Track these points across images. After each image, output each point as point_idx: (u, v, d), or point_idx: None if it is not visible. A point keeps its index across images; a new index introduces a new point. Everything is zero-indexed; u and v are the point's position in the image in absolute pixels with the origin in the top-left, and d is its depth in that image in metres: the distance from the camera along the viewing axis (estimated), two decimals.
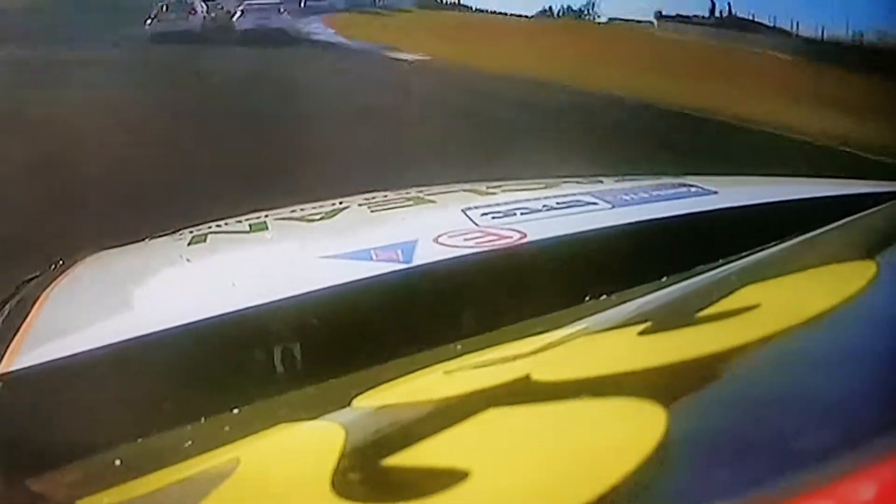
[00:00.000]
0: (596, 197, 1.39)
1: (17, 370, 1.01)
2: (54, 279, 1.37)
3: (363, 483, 0.68)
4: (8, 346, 1.07)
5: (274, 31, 14.72)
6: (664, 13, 11.72)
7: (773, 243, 1.05)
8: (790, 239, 1.06)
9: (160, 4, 16.00)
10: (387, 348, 1.08)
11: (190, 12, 16.16)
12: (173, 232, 1.63)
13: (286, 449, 0.82)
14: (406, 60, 12.58)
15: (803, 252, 1.02)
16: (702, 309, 0.81)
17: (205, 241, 1.49)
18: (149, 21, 15.79)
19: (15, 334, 1.10)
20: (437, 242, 1.21)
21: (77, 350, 1.02)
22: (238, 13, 15.80)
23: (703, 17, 11.35)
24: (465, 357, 0.93)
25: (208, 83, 10.51)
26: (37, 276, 1.49)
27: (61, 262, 1.52)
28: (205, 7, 17.23)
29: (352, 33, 15.26)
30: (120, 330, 1.05)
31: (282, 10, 15.45)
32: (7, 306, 1.31)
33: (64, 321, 1.19)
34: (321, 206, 1.63)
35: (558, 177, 1.71)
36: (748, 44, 10.23)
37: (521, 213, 1.33)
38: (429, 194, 1.65)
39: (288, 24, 15.23)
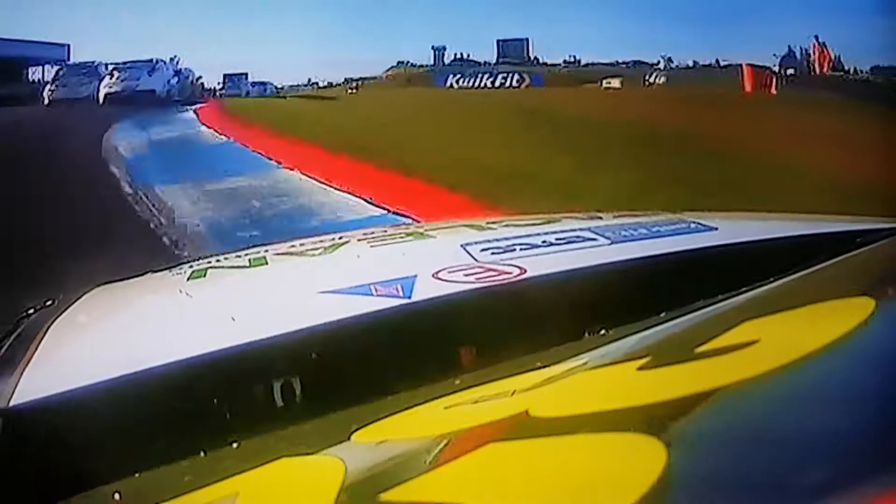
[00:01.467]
0: (595, 233, 1.40)
1: (17, 405, 1.00)
2: (55, 313, 1.37)
3: None
4: (9, 381, 1.07)
5: None
6: None
7: (772, 279, 1.05)
8: (789, 275, 1.06)
9: None
10: (386, 383, 1.08)
11: None
12: (173, 266, 1.63)
13: (285, 483, 0.82)
14: None
15: (802, 288, 1.03)
16: (701, 344, 0.81)
17: (204, 275, 1.49)
18: None
19: (16, 368, 1.10)
20: (437, 278, 1.21)
21: (77, 385, 1.02)
22: None
23: None
24: (465, 392, 0.93)
25: None
26: (37, 310, 1.49)
27: (60, 297, 1.52)
28: None
29: None
30: (120, 364, 1.05)
31: None
32: (8, 340, 1.31)
33: (64, 355, 1.20)
34: (321, 241, 1.63)
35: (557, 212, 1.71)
36: None
37: (521, 249, 1.34)
38: (428, 230, 1.65)
39: None
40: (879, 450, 0.54)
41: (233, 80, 25.18)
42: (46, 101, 20.28)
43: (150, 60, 20.83)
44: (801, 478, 0.52)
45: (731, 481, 0.54)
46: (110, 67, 20.86)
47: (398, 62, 28.94)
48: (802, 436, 0.58)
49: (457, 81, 25.70)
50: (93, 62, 21.85)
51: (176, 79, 20.72)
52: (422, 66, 28.76)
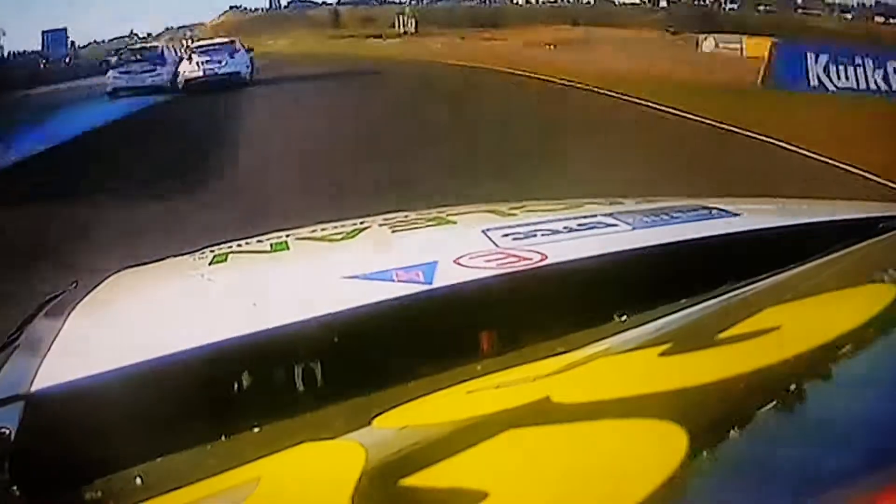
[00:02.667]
0: (617, 218, 1.39)
1: (40, 389, 1.01)
2: (77, 298, 1.38)
3: (383, 502, 0.69)
4: (31, 365, 1.08)
5: None
6: None
7: (794, 265, 1.05)
8: (811, 261, 1.06)
9: None
10: (407, 369, 1.08)
11: None
12: (195, 251, 1.64)
13: (307, 467, 0.82)
14: None
15: (824, 274, 1.02)
16: (723, 330, 0.80)
17: (226, 260, 1.50)
18: None
19: (38, 353, 1.11)
20: (458, 264, 1.21)
21: (99, 369, 1.02)
22: None
23: None
24: (486, 378, 0.93)
25: None
26: (60, 295, 1.50)
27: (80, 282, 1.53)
28: None
29: None
30: (141, 349, 1.05)
31: None
32: (31, 325, 1.32)
33: (86, 340, 1.20)
34: (342, 226, 1.63)
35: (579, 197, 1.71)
36: None
37: (542, 235, 1.33)
38: (450, 214, 1.65)
39: None
40: None
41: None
42: (109, 90, 18.96)
43: (232, 42, 19.76)
44: (824, 463, 0.52)
45: (753, 467, 0.54)
46: (186, 51, 20.02)
47: (230, 7, 26.17)
48: (824, 422, 0.58)
49: None
50: (155, 46, 21.08)
51: (249, 58, 19.66)
52: (256, 9, 26.31)
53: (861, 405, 0.59)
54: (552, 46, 18.78)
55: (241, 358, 1.09)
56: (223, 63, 18.70)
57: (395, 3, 24.26)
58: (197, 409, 1.05)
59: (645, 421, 0.64)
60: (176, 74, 19.17)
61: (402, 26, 22.76)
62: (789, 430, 0.58)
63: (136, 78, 18.98)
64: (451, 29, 22.10)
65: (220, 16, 25.94)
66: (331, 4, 25.26)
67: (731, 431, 0.59)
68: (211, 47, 19.28)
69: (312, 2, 25.73)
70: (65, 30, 23.11)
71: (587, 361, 0.87)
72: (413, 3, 23.49)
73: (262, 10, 26.19)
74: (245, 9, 26.27)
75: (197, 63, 18.72)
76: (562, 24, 21.33)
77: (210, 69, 18.56)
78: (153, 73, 19.25)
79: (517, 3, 24.22)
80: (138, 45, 21.43)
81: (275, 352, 1.12)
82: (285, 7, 25.96)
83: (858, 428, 0.56)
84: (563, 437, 0.68)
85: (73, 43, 24.19)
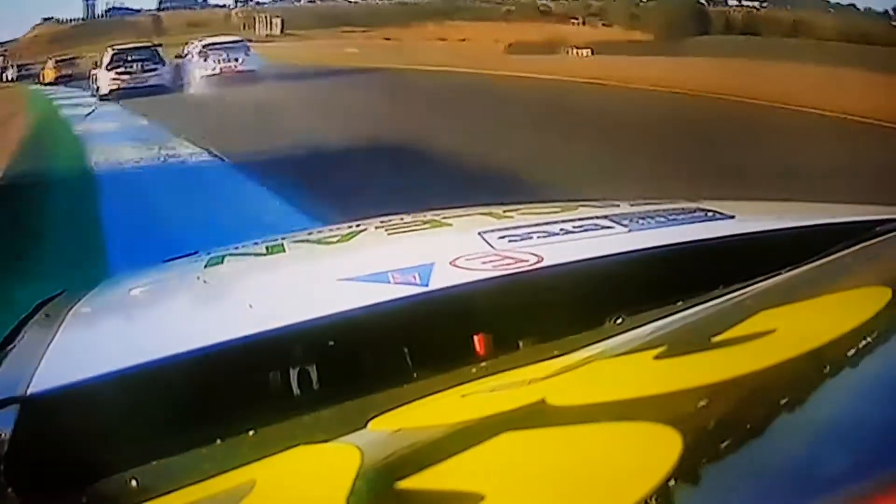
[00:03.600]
0: (613, 221, 1.39)
1: (35, 392, 1.01)
2: (75, 301, 1.38)
3: None
4: (28, 368, 1.08)
5: None
6: None
7: (789, 268, 1.05)
8: (806, 264, 1.06)
9: None
10: (403, 371, 1.08)
11: None
12: (190, 254, 1.64)
13: (302, 471, 0.82)
14: None
15: (819, 277, 1.02)
16: (718, 333, 0.81)
17: (222, 262, 1.50)
18: None
19: (34, 356, 1.11)
20: (454, 266, 1.21)
21: (94, 372, 1.02)
22: None
23: None
24: (481, 380, 0.93)
25: None
26: (55, 297, 1.50)
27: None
28: None
29: None
30: (137, 352, 1.05)
31: None
32: (26, 327, 1.32)
33: (82, 343, 1.20)
34: (338, 229, 1.63)
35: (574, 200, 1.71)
36: None
37: (538, 237, 1.33)
38: (445, 217, 1.65)
39: None
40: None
41: None
42: (105, 92, 18.00)
43: (241, 40, 19.22)
44: (818, 467, 0.52)
45: (747, 470, 0.54)
46: (199, 48, 18.90)
47: (43, 19, 23.96)
48: (819, 425, 0.58)
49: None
50: (151, 44, 19.96)
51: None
52: (72, 20, 24.12)
53: (857, 408, 0.59)
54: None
55: (237, 360, 1.09)
56: (240, 61, 18.28)
57: (220, 6, 23.38)
58: (192, 411, 1.05)
59: (640, 424, 0.64)
60: (178, 74, 18.64)
61: (265, 28, 22.13)
62: (784, 433, 0.58)
63: (138, 77, 18.19)
64: (321, 29, 21.85)
65: (33, 28, 24.27)
66: (151, 11, 23.74)
67: (726, 435, 0.59)
68: (226, 45, 18.76)
69: (130, 9, 24.05)
70: None
71: (582, 364, 0.88)
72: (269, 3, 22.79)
73: (78, 19, 24.40)
74: (58, 20, 24.55)
75: (214, 61, 18.16)
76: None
77: (228, 67, 18.09)
78: (155, 73, 18.53)
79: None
80: (130, 45, 20.58)
81: (270, 354, 1.13)
82: (102, 16, 24.16)
83: (854, 431, 0.56)
84: (558, 439, 0.68)
85: None
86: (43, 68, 22.54)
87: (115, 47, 19.14)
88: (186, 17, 23.49)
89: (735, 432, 0.59)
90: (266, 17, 22.61)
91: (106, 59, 18.46)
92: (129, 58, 18.52)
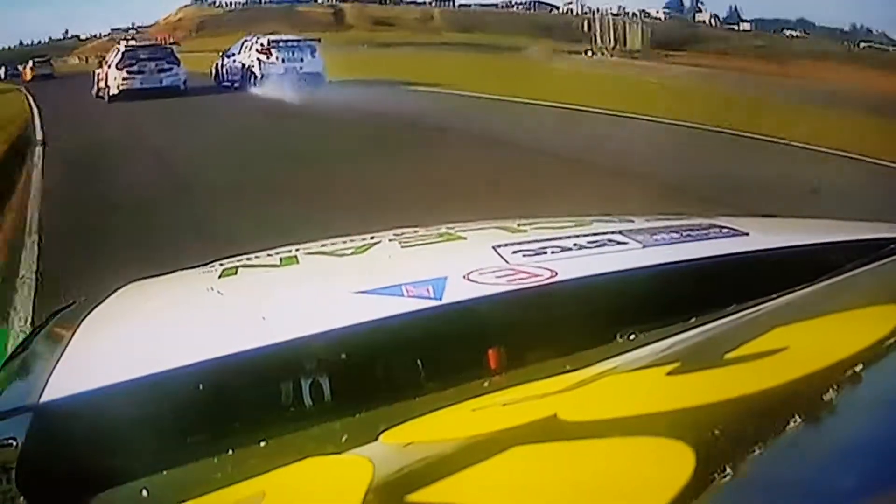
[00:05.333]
0: (627, 236, 1.39)
1: (48, 401, 1.02)
2: (87, 310, 1.38)
3: None
4: (41, 377, 1.08)
5: None
6: None
7: (803, 286, 1.05)
8: (820, 282, 1.06)
9: None
10: (415, 384, 1.08)
11: None
12: (204, 264, 1.64)
13: (313, 482, 0.82)
14: None
15: (833, 295, 1.02)
16: (731, 350, 0.80)
17: (235, 273, 1.50)
18: None
19: (47, 365, 1.12)
20: (468, 279, 1.21)
21: (108, 382, 1.03)
22: None
23: None
24: (493, 395, 0.93)
25: None
26: (70, 307, 1.50)
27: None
28: None
29: None
30: (150, 362, 1.06)
31: None
32: (40, 336, 1.33)
33: (95, 353, 1.21)
34: (352, 241, 1.63)
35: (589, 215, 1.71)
36: None
37: (552, 252, 1.33)
38: (460, 230, 1.65)
39: None
40: None
41: None
42: (115, 92, 16.99)
43: (317, 39, 18.29)
44: (830, 484, 0.52)
45: (759, 487, 0.54)
46: (259, 45, 17.83)
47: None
48: (831, 443, 0.58)
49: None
50: (160, 42, 19.33)
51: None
52: (228, 2, 22.27)
53: (869, 427, 0.59)
54: None
55: (249, 372, 1.10)
56: (304, 61, 17.49)
57: (418, 3, 21.66)
58: (204, 422, 1.05)
59: (652, 439, 0.64)
60: (230, 70, 17.77)
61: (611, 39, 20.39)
62: (796, 450, 0.58)
63: (152, 78, 17.34)
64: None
65: (177, 10, 23.30)
66: (332, 1, 21.87)
67: (739, 451, 0.59)
68: (293, 43, 17.89)
69: None
70: None
71: (595, 379, 0.87)
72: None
73: (236, 4, 22.86)
74: (211, 1, 22.97)
75: (278, 59, 17.35)
76: None
77: (291, 67, 17.28)
78: (170, 73, 17.66)
79: None
80: (142, 42, 19.67)
81: (283, 366, 1.13)
82: (267, 1, 22.42)
83: (866, 449, 0.56)
84: (569, 455, 0.68)
85: None
86: (24, 68, 23.21)
87: (125, 44, 18.54)
88: (375, 12, 22.27)
89: (747, 449, 0.58)
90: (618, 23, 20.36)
91: (116, 58, 17.67)
92: (143, 56, 17.76)
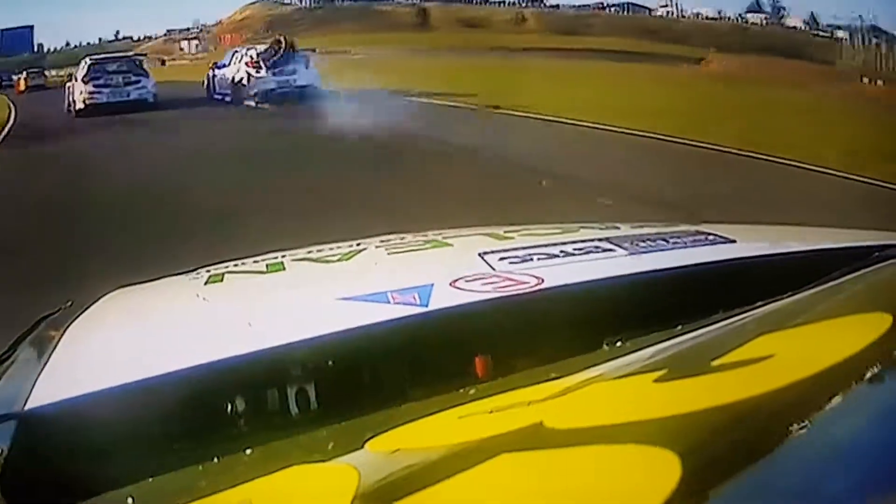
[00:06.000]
0: (613, 244, 1.39)
1: (33, 408, 1.01)
2: (72, 317, 1.38)
3: None
4: (26, 384, 1.07)
5: None
6: None
7: (789, 293, 1.05)
8: (806, 289, 1.06)
9: None
10: (401, 392, 1.08)
11: None
12: (190, 270, 1.64)
13: (299, 490, 0.82)
14: None
15: (819, 303, 1.02)
16: (717, 358, 0.81)
17: (222, 280, 1.50)
18: None
19: (33, 372, 1.11)
20: (455, 287, 1.21)
21: (94, 389, 1.02)
22: None
23: None
24: (479, 402, 0.93)
25: None
26: (55, 313, 1.49)
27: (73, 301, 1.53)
28: None
29: None
30: (136, 369, 1.05)
31: None
32: (26, 342, 1.32)
33: (81, 359, 1.20)
34: (338, 248, 1.63)
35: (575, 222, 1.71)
36: None
37: (539, 259, 1.33)
38: (446, 237, 1.65)
39: None
40: (894, 463, 0.54)
41: None
42: (80, 106, 16.44)
43: (308, 50, 17.58)
44: (817, 490, 0.52)
45: (745, 494, 0.54)
46: (245, 57, 17.18)
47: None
48: (817, 449, 0.58)
49: None
50: (133, 54, 18.65)
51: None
52: (288, 2, 21.08)
53: (855, 433, 0.59)
54: None
55: (235, 379, 1.09)
56: (297, 73, 16.77)
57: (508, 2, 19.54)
58: (190, 429, 1.05)
59: (638, 447, 0.64)
60: (224, 84, 17.11)
61: None
62: (783, 456, 0.58)
63: (119, 92, 16.76)
64: None
65: (243, 8, 21.79)
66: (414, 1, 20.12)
67: (725, 458, 0.59)
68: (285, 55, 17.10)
69: None
70: (30, 28, 21.91)
71: (581, 387, 0.87)
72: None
73: (308, 1, 21.56)
74: (279, 0, 21.60)
75: (271, 73, 16.66)
76: None
77: (284, 80, 16.59)
78: (138, 86, 17.07)
79: None
80: (110, 54, 18.90)
81: (269, 373, 1.12)
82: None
83: (852, 456, 0.56)
84: (555, 462, 0.68)
85: (41, 45, 23.22)
86: (17, 79, 23.10)
87: (92, 58, 17.92)
88: (468, 13, 20.19)
89: (734, 456, 0.59)
90: None
91: (82, 71, 17.22)
92: (109, 69, 17.23)
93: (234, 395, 1.11)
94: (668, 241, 1.41)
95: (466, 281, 1.23)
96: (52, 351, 1.19)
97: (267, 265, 1.57)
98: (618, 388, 0.87)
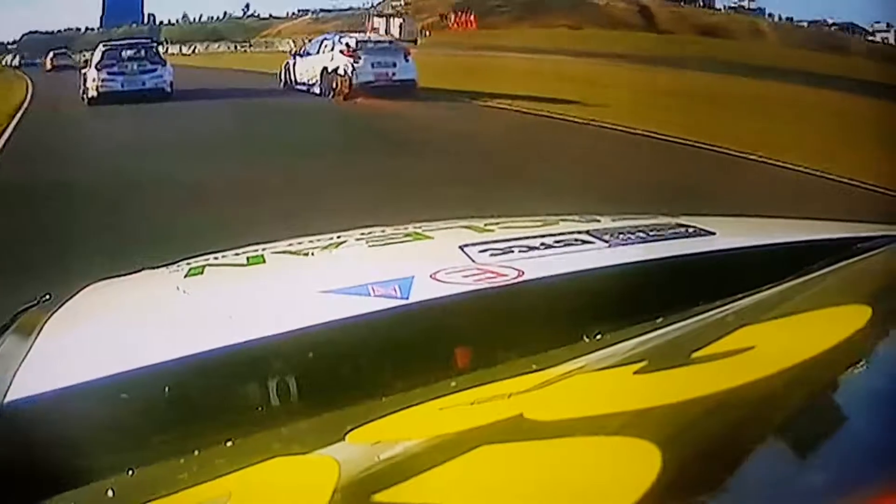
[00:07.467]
0: (593, 236, 1.40)
1: (12, 401, 1.00)
2: (51, 310, 1.37)
3: None
4: (4, 377, 1.07)
5: None
6: None
7: (769, 285, 1.05)
8: (787, 281, 1.06)
9: None
10: (382, 384, 1.08)
11: None
12: (170, 263, 1.63)
13: (279, 483, 0.82)
14: None
15: (799, 295, 1.03)
16: (698, 349, 0.81)
17: (202, 273, 1.49)
18: None
19: (11, 365, 1.10)
20: (435, 279, 1.21)
21: (72, 382, 1.01)
22: None
23: None
24: (460, 394, 0.93)
25: None
26: (33, 306, 1.48)
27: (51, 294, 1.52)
28: None
29: None
30: (115, 362, 1.05)
31: None
32: (4, 335, 1.31)
33: (60, 352, 1.19)
34: (319, 240, 1.63)
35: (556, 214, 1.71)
36: None
37: (519, 251, 1.33)
38: (427, 230, 1.65)
39: None
40: (875, 453, 0.54)
41: None
42: (93, 94, 15.61)
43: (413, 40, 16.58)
44: (798, 482, 0.52)
45: (726, 486, 0.54)
46: (339, 45, 15.92)
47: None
48: (798, 441, 0.58)
49: None
50: (149, 39, 17.72)
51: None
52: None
53: (835, 425, 0.60)
54: None
55: (215, 371, 1.09)
56: (396, 66, 15.56)
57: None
58: (170, 421, 1.04)
59: (619, 439, 0.64)
60: (306, 72, 16.15)
61: None
62: (763, 449, 0.58)
63: (134, 80, 15.91)
64: None
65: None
66: None
67: (706, 450, 0.59)
68: (381, 46, 16.13)
69: None
70: None
71: (562, 379, 0.87)
72: None
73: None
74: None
75: (370, 64, 15.42)
76: None
77: (383, 72, 15.43)
78: (153, 74, 16.20)
79: None
80: (126, 40, 17.90)
81: (249, 365, 1.12)
82: None
83: (832, 447, 0.56)
84: (536, 454, 0.68)
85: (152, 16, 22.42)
86: (44, 58, 23.26)
87: (106, 44, 17.07)
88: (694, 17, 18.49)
89: (714, 446, 0.59)
90: None
91: (97, 57, 16.41)
92: (125, 55, 16.40)
93: (214, 387, 1.11)
94: (647, 234, 1.41)
95: (447, 273, 1.23)
96: (32, 344, 1.18)
97: (247, 258, 1.56)
98: (598, 379, 0.87)
